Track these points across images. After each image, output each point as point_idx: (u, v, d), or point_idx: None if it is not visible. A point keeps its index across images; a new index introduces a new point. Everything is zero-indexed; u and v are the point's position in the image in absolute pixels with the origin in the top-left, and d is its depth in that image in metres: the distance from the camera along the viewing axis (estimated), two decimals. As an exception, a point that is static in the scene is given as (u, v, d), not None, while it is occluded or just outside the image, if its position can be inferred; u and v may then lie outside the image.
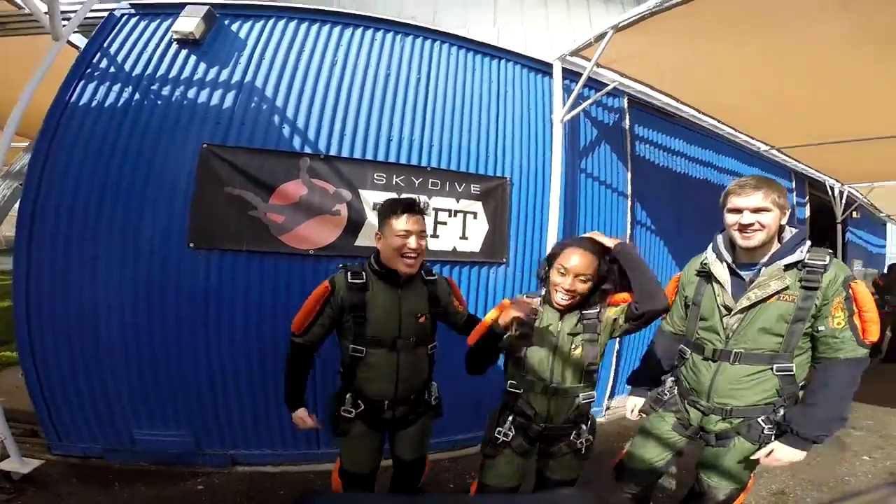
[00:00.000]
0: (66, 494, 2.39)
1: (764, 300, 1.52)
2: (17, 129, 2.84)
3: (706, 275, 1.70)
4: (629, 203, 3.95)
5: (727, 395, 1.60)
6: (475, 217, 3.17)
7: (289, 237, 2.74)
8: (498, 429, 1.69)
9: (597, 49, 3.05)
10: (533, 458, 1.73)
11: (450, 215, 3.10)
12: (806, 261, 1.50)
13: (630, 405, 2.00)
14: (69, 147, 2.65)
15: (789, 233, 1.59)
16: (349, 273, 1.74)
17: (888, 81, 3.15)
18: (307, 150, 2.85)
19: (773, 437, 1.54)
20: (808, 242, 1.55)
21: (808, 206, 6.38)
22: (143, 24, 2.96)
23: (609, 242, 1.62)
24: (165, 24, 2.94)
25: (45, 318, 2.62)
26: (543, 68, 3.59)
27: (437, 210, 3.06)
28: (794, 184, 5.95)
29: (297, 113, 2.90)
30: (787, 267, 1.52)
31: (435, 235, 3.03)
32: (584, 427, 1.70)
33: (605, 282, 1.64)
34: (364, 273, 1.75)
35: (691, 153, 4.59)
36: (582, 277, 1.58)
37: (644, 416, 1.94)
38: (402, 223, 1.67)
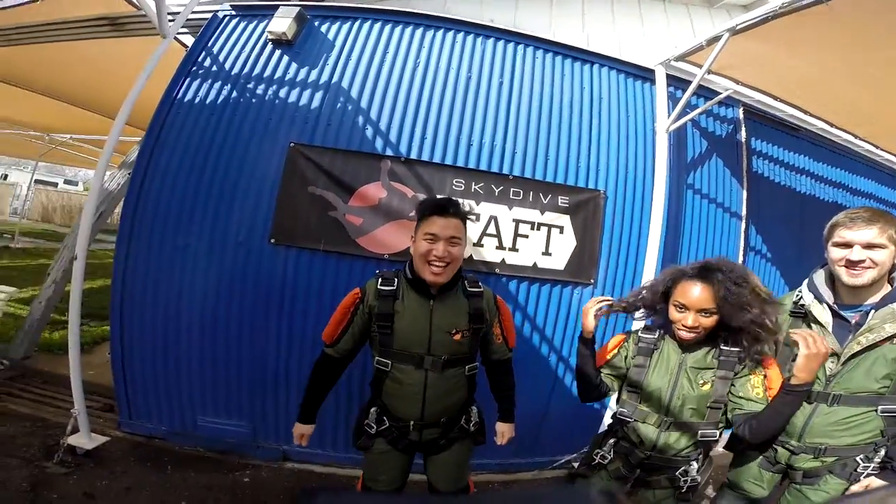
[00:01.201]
0: (121, 473, 2.44)
1: (875, 345, 1.39)
2: (134, 123, 3.11)
3: (801, 315, 1.56)
4: (743, 225, 3.39)
5: (823, 435, 1.47)
6: (561, 231, 2.86)
7: (365, 240, 2.63)
8: (597, 451, 1.62)
9: (709, 54, 2.65)
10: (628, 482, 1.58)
11: (532, 228, 2.82)
12: None
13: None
14: (172, 142, 2.77)
15: None
16: (380, 279, 1.58)
17: None
18: (388, 152, 2.74)
19: (867, 474, 1.41)
20: None
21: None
22: (242, 24, 3.06)
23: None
24: (262, 25, 3.01)
25: (136, 301, 2.74)
26: (642, 74, 3.21)
27: (517, 222, 2.79)
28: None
29: (380, 114, 2.80)
30: None
31: (514, 249, 2.77)
32: (694, 465, 1.50)
33: (733, 311, 1.40)
34: (396, 280, 1.58)
35: (818, 171, 3.89)
36: (704, 313, 1.42)
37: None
38: (429, 226, 1.49)
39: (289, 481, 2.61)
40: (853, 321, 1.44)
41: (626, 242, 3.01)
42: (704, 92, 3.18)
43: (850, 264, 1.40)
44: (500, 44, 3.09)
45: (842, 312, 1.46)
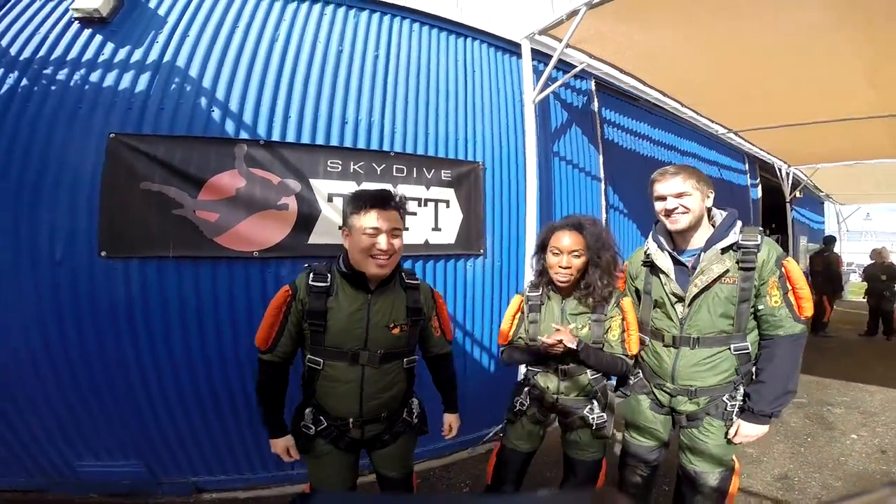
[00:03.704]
0: None
1: (709, 286, 1.50)
2: None
3: (651, 265, 1.65)
4: (602, 186, 3.59)
5: (689, 377, 1.56)
6: (447, 205, 2.68)
7: (226, 238, 2.14)
8: (517, 398, 1.76)
9: (568, 28, 2.67)
10: (546, 427, 1.77)
11: (420, 204, 2.59)
12: (740, 242, 1.48)
13: None
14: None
15: (720, 215, 1.57)
16: (311, 274, 1.42)
17: (838, 69, 3.10)
18: (244, 135, 2.26)
19: (735, 414, 1.53)
20: (740, 223, 1.52)
21: (759, 186, 6.31)
22: (38, 3, 2.31)
23: (572, 344, 1.56)
24: (66, 3, 2.30)
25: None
26: (511, 48, 3.15)
27: (406, 199, 2.53)
28: (747, 166, 5.86)
29: (229, 94, 2.30)
30: (724, 250, 1.49)
31: (405, 228, 2.50)
32: (596, 403, 1.66)
33: (601, 254, 1.61)
34: (329, 275, 1.43)
35: (656, 137, 4.31)
36: (575, 253, 1.58)
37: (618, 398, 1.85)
38: (370, 220, 1.35)
39: None
40: (689, 265, 1.55)
41: (507, 210, 2.94)
42: (562, 66, 3.23)
43: (667, 213, 1.53)
44: (376, 16, 2.75)
45: (679, 258, 1.56)
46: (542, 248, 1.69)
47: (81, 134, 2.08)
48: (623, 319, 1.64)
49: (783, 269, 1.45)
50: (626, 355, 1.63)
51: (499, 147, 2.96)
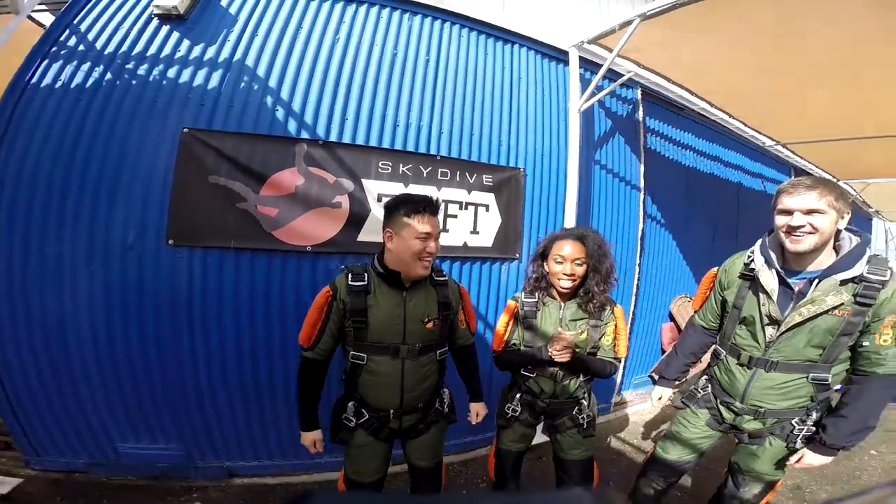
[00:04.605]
0: None
1: (814, 316, 1.35)
2: None
3: (750, 279, 1.51)
4: (641, 196, 3.53)
5: (761, 398, 1.50)
6: (487, 210, 2.71)
7: (283, 232, 2.24)
8: (508, 405, 1.81)
9: (620, 38, 2.64)
10: (535, 427, 1.85)
11: (461, 208, 2.63)
12: (864, 275, 1.30)
13: (656, 395, 1.88)
14: (26, 134, 2.13)
15: (848, 240, 1.38)
16: (350, 274, 1.49)
17: (889, 82, 2.92)
18: (304, 135, 2.35)
19: (801, 438, 1.47)
20: (869, 252, 1.35)
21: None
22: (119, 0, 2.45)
23: (566, 357, 1.62)
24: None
25: (4, 327, 2.12)
26: (558, 55, 3.13)
27: (447, 202, 2.59)
28: (793, 177, 5.60)
29: (292, 95, 2.39)
30: (844, 281, 1.33)
31: (445, 230, 2.56)
32: (584, 403, 1.77)
33: (601, 262, 1.67)
34: (367, 274, 1.49)
35: (700, 147, 4.19)
36: (578, 261, 1.64)
37: (673, 407, 1.83)
38: (424, 225, 1.41)
39: (242, 498, 2.27)
40: (796, 289, 1.40)
41: (545, 217, 2.95)
42: (609, 74, 3.17)
43: (791, 230, 1.34)
44: (427, 20, 2.79)
45: (787, 279, 1.42)
46: (542, 256, 1.74)
47: (158, 127, 2.21)
48: (615, 326, 1.72)
49: None
50: (616, 358, 1.73)
51: (541, 154, 2.96)
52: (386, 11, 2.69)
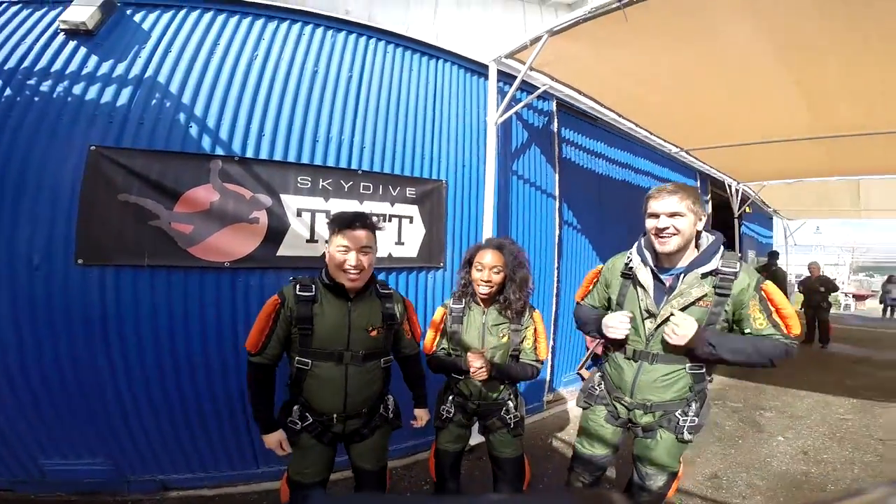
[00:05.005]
0: None
1: (683, 308, 1.51)
2: None
3: (629, 277, 1.66)
4: (557, 204, 3.81)
5: (648, 391, 1.61)
6: (411, 221, 2.85)
7: (199, 249, 2.27)
8: (442, 406, 1.93)
9: (531, 52, 2.85)
10: (470, 428, 1.99)
11: (384, 220, 2.76)
12: (719, 268, 1.49)
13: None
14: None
15: (706, 239, 1.57)
16: (298, 285, 1.59)
17: (777, 92, 3.31)
18: (219, 151, 2.39)
19: (687, 429, 1.58)
20: (722, 249, 1.54)
21: (710, 202, 6.67)
22: (25, 12, 2.36)
23: (483, 376, 1.77)
24: (53, 13, 2.35)
25: None
26: (480, 70, 3.34)
27: (379, 220, 2.68)
28: (698, 182, 6.19)
29: (207, 111, 2.41)
30: (704, 275, 1.51)
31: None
32: (511, 404, 1.89)
33: (516, 271, 1.82)
34: (314, 286, 1.61)
35: (612, 155, 4.57)
36: (495, 269, 1.78)
37: (578, 407, 1.93)
38: (341, 239, 1.54)
39: None
40: (667, 284, 1.56)
41: (466, 226, 3.14)
42: (527, 87, 3.42)
43: (658, 232, 1.51)
44: (352, 37, 2.88)
45: (660, 276, 1.58)
46: (468, 263, 1.88)
47: (63, 145, 2.17)
48: (535, 330, 1.87)
49: (762, 293, 1.47)
50: (538, 360, 1.87)
51: (462, 166, 3.15)
52: (308, 28, 2.77)
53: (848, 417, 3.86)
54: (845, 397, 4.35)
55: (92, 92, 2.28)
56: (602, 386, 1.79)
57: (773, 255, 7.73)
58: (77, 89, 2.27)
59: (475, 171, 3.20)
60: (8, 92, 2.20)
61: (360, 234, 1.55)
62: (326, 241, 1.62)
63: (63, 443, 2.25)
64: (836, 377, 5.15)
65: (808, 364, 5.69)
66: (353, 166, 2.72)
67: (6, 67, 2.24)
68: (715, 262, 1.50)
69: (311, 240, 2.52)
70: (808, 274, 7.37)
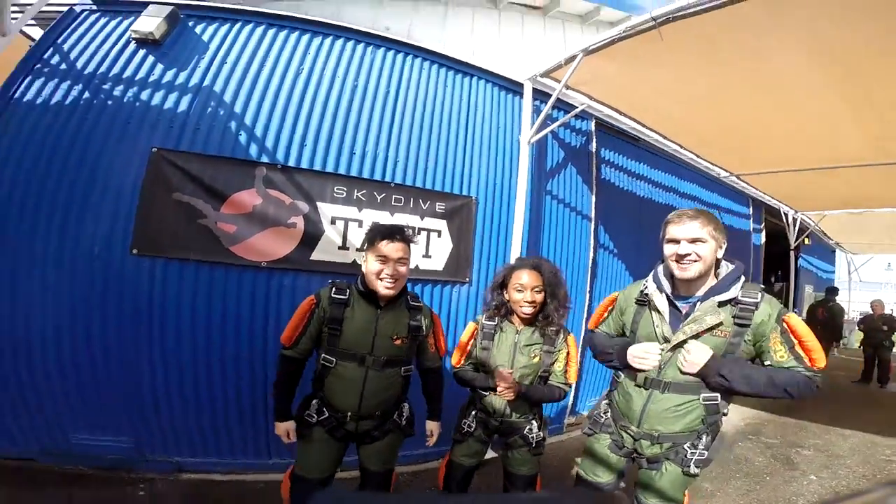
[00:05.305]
0: None
1: (697, 335, 1.48)
2: None
3: (644, 303, 1.64)
4: (592, 226, 3.79)
5: (657, 421, 1.56)
6: (439, 235, 2.96)
7: (240, 248, 2.48)
8: (464, 420, 1.94)
9: (566, 71, 2.90)
10: (488, 444, 1.97)
11: (415, 233, 2.87)
12: (739, 298, 1.45)
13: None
14: (5, 148, 2.36)
15: (726, 268, 1.54)
16: (334, 288, 1.72)
17: (840, 113, 3.13)
18: (264, 158, 2.60)
19: (695, 463, 1.52)
20: (742, 279, 1.50)
21: (763, 232, 6.37)
22: (103, 20, 2.70)
23: (511, 396, 1.80)
24: (126, 22, 2.67)
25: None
26: (515, 88, 3.41)
27: (415, 233, 2.82)
28: (751, 210, 5.92)
29: (255, 120, 2.64)
30: (722, 303, 1.47)
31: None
32: (535, 424, 1.89)
33: (557, 289, 1.84)
34: (349, 290, 1.73)
35: (655, 178, 4.48)
36: (537, 288, 1.81)
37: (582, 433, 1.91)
38: (380, 249, 1.65)
39: (188, 491, 2.42)
40: (683, 311, 1.53)
41: (495, 243, 3.20)
42: (564, 106, 3.46)
43: (679, 258, 1.47)
44: (391, 54, 3.07)
45: (676, 302, 1.55)
46: (501, 286, 1.90)
47: (129, 146, 2.45)
48: (567, 353, 1.87)
49: (784, 325, 1.42)
50: (566, 384, 1.88)
51: (493, 184, 3.23)
52: (350, 44, 2.97)
53: (894, 459, 3.59)
54: (895, 438, 4.04)
55: (157, 98, 2.57)
56: (608, 414, 1.76)
57: (832, 291, 7.36)
58: (144, 95, 2.56)
59: (506, 189, 3.26)
60: (86, 95, 2.52)
61: (398, 246, 1.66)
62: (358, 249, 1.75)
63: (94, 419, 2.46)
64: (888, 417, 4.80)
65: (860, 403, 5.39)
66: (387, 179, 2.87)
67: (86, 72, 2.56)
68: (734, 292, 1.46)
69: (343, 247, 2.67)
70: (871, 311, 6.99)
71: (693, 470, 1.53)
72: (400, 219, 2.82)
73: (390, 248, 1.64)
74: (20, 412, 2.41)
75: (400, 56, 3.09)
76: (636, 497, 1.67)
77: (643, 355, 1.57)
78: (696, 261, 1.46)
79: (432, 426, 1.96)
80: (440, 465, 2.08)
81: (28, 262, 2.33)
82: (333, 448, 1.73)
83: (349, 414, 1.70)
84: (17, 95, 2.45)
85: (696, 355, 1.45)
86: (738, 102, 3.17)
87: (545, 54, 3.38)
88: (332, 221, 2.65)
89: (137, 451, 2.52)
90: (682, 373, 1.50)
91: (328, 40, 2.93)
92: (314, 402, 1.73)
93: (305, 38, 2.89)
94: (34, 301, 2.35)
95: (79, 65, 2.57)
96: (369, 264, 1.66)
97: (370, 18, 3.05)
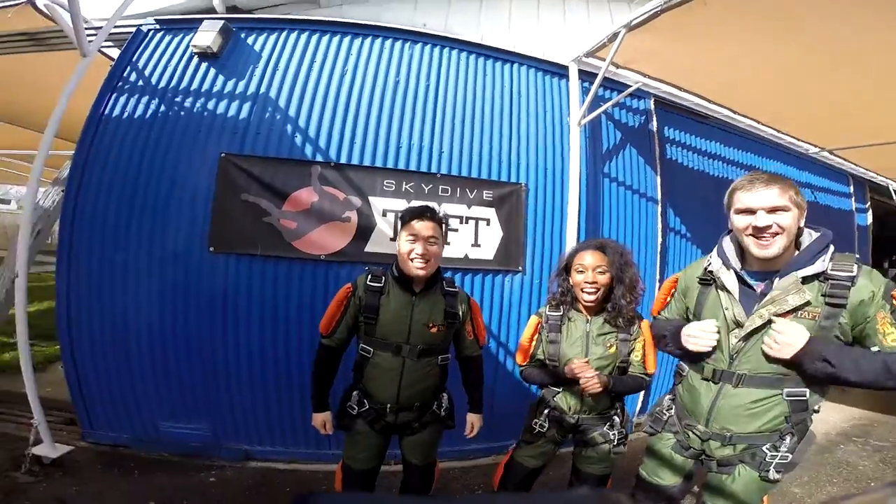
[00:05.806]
0: (88, 479, 2.47)
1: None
2: (66, 136, 3.04)
3: (709, 282, 1.46)
4: (659, 209, 3.63)
5: (729, 420, 1.38)
6: (488, 224, 3.03)
7: (301, 243, 2.73)
8: (535, 420, 1.83)
9: (610, 49, 2.83)
10: (560, 446, 1.87)
11: (461, 222, 2.98)
12: (829, 272, 1.23)
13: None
14: (102, 159, 2.77)
15: (809, 236, 1.32)
16: (370, 276, 1.75)
17: None
18: (318, 158, 2.83)
19: (775, 467, 1.33)
20: (832, 248, 1.28)
21: (869, 212, 5.73)
22: (167, 38, 3.05)
23: (597, 388, 1.66)
24: (188, 38, 3.00)
25: (82, 317, 2.75)
26: (559, 71, 3.39)
27: (447, 217, 2.94)
28: (852, 188, 5.35)
29: (308, 122, 2.88)
30: (806, 279, 1.25)
31: (445, 242, 2.92)
32: (617, 420, 1.80)
33: (624, 271, 1.73)
34: (384, 278, 1.75)
35: (730, 156, 4.19)
36: (600, 269, 1.71)
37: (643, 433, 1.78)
38: (410, 228, 1.68)
39: (253, 479, 2.67)
40: (758, 290, 1.34)
41: (549, 230, 3.20)
42: (616, 86, 3.37)
43: (757, 231, 1.26)
44: (428, 48, 3.20)
45: (748, 280, 1.36)
46: (565, 269, 1.82)
47: (201, 153, 2.77)
48: (644, 341, 1.76)
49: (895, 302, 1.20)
50: (646, 374, 1.77)
51: (543, 169, 3.23)
52: (388, 42, 3.14)
53: None
54: None
55: (221, 107, 2.88)
56: (672, 411, 1.61)
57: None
58: (210, 105, 2.88)
59: (558, 173, 3.25)
60: (162, 108, 2.88)
61: (427, 224, 1.67)
62: (391, 240, 1.79)
63: (179, 407, 2.79)
64: None
65: None
66: (433, 170, 2.99)
67: (160, 87, 2.92)
68: (820, 265, 1.25)
69: (394, 238, 2.83)
70: None
71: (773, 475, 1.35)
72: (447, 208, 2.92)
73: (420, 225, 1.66)
74: (118, 403, 2.80)
75: (437, 49, 3.20)
76: (703, 503, 1.52)
77: (697, 334, 1.41)
78: (778, 233, 1.24)
79: (473, 418, 1.93)
80: (499, 463, 2.01)
81: (123, 264, 2.71)
82: (375, 440, 1.76)
83: (388, 406, 1.72)
84: (105, 112, 2.85)
85: (791, 336, 1.23)
86: (812, 71, 2.86)
87: (590, 36, 3.31)
88: (383, 214, 2.82)
89: (214, 439, 2.82)
90: (769, 360, 1.29)
91: (367, 40, 3.12)
92: (355, 393, 1.76)
93: (346, 39, 3.09)
94: (129, 299, 2.73)
95: (153, 80, 2.93)
96: (401, 245, 1.69)
97: (408, 18, 3.19)
